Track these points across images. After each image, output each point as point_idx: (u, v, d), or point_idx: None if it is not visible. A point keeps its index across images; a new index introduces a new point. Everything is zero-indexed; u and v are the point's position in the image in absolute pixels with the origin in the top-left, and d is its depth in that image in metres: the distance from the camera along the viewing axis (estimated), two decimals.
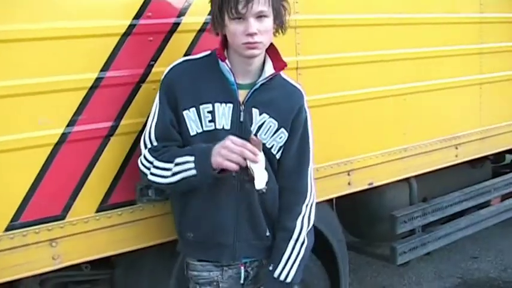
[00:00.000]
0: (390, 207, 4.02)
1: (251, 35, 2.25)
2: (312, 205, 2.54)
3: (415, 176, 4.02)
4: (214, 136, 2.34)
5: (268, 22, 2.30)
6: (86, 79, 2.48)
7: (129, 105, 2.59)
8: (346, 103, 3.39)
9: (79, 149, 2.50)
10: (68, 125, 2.45)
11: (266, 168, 2.27)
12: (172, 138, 2.39)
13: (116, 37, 2.53)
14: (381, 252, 4.29)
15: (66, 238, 2.53)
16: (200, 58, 2.46)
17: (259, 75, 2.42)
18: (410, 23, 3.71)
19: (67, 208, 2.51)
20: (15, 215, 2.40)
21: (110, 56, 2.52)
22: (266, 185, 2.23)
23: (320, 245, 3.46)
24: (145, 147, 2.42)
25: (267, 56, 2.44)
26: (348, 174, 3.43)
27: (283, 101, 2.46)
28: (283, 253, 2.46)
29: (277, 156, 2.47)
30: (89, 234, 2.58)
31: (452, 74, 4.02)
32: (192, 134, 2.36)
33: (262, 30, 2.28)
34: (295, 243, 2.48)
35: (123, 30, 2.54)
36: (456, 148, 4.08)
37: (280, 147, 2.46)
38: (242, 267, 2.53)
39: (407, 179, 4.01)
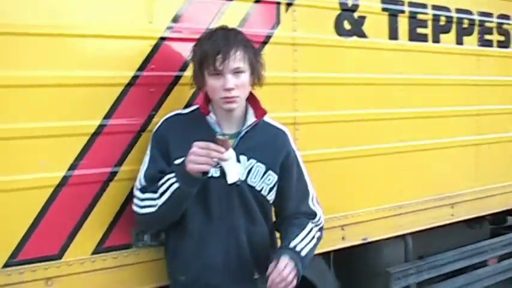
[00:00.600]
0: (386, 264, 4.09)
1: (228, 90, 2.44)
2: (320, 227, 2.76)
3: (411, 233, 4.10)
4: (206, 185, 2.50)
5: (245, 77, 2.49)
6: (89, 125, 2.61)
7: (129, 152, 2.72)
8: (343, 159, 3.51)
9: (79, 192, 2.61)
10: (69, 169, 2.57)
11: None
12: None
13: (120, 87, 2.68)
14: None
15: (62, 278, 2.61)
16: (190, 112, 2.64)
17: (243, 124, 2.59)
18: (409, 83, 3.84)
19: (64, 248, 2.61)
20: (13, 252, 2.50)
21: (113, 104, 2.66)
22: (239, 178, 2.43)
23: None
24: (136, 191, 2.57)
25: (248, 105, 2.61)
26: (342, 229, 3.53)
27: (269, 145, 2.64)
28: (303, 229, 2.63)
29: (268, 198, 2.63)
30: (84, 275, 2.67)
31: (448, 134, 4.14)
32: None
33: (239, 84, 2.48)
34: (313, 227, 2.69)
35: (127, 81, 2.69)
36: (452, 207, 4.17)
37: (271, 188, 2.62)
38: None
39: (403, 236, 4.09)
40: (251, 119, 2.60)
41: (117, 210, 2.72)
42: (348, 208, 3.55)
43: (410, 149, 3.88)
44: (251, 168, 2.58)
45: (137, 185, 2.57)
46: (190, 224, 2.57)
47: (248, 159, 2.57)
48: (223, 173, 2.44)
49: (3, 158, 2.45)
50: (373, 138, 3.68)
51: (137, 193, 2.55)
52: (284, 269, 2.44)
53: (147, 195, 2.51)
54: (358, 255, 3.94)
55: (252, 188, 2.58)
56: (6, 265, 2.49)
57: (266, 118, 2.67)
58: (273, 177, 2.61)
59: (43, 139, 2.52)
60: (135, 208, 2.56)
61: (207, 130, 2.54)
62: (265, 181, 2.60)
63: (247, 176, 2.57)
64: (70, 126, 2.57)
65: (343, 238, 3.54)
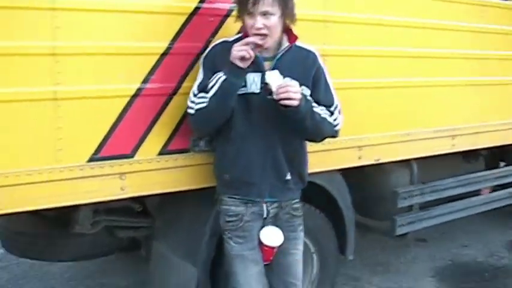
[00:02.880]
0: (393, 185, 4.62)
1: (258, 29, 2.88)
2: (337, 130, 3.16)
3: (416, 160, 4.63)
4: (247, 98, 2.99)
5: (274, 19, 2.92)
6: (159, 46, 3.13)
7: (190, 71, 3.22)
8: (362, 89, 4.00)
9: (149, 102, 3.14)
10: (142, 82, 3.09)
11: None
12: None
13: (184, 16, 3.18)
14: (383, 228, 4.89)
15: (133, 174, 3.15)
16: (234, 40, 3.03)
17: (278, 49, 3.04)
18: (425, 27, 4.34)
19: (136, 149, 3.14)
20: (96, 150, 3.03)
21: (178, 30, 3.16)
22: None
23: (331, 208, 4.09)
24: (190, 99, 3.04)
25: (283, 33, 3.04)
26: (359, 149, 4.02)
27: (301, 64, 3.05)
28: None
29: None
30: (150, 172, 3.20)
31: (453, 73, 4.62)
32: None
33: (268, 25, 2.90)
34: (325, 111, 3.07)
35: (190, 11, 3.19)
36: (453, 138, 4.66)
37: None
38: (264, 205, 3.12)
39: (409, 162, 4.62)
40: (285, 44, 3.05)
41: (179, 119, 3.23)
42: (365, 131, 4.03)
43: (419, 85, 4.35)
44: None
45: (190, 94, 3.03)
46: (234, 131, 3.03)
47: (284, 77, 2.92)
48: (262, 89, 2.95)
49: (91, 70, 2.97)
50: (389, 72, 4.15)
51: (191, 97, 3.02)
52: (294, 84, 2.88)
53: (200, 94, 2.98)
54: (370, 176, 4.47)
55: None
56: (90, 160, 3.02)
57: (298, 43, 3.07)
58: (305, 91, 2.99)
59: (123, 56, 3.04)
60: (189, 110, 3.02)
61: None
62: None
63: None
64: (145, 46, 3.08)
65: (359, 157, 4.03)
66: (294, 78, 2.92)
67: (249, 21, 2.92)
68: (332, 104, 3.12)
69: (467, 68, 4.74)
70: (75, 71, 2.92)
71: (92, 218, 3.70)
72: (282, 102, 2.83)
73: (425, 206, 4.85)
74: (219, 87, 2.90)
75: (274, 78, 2.87)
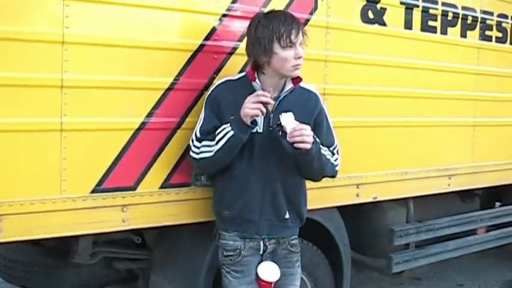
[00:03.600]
0: (390, 224, 4.67)
1: (300, 58, 3.00)
2: (337, 164, 3.23)
3: (413, 199, 4.69)
4: (251, 139, 3.04)
5: (303, 50, 3.04)
6: (165, 82, 3.20)
7: (193, 106, 3.29)
8: (361, 127, 4.08)
9: (153, 136, 3.20)
10: (147, 116, 3.15)
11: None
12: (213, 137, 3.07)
13: (189, 52, 3.25)
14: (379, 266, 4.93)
15: (135, 206, 3.19)
16: (237, 79, 3.15)
17: (282, 89, 3.12)
18: (418, 67, 4.42)
19: (138, 181, 3.19)
20: (99, 181, 3.07)
21: (183, 66, 3.23)
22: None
23: (328, 245, 4.13)
24: (192, 142, 3.12)
25: None
26: (357, 187, 4.08)
27: (304, 105, 3.12)
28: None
29: None
30: (152, 205, 3.25)
31: (449, 114, 4.70)
32: None
33: (303, 54, 3.03)
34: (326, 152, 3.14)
35: (195, 48, 3.26)
36: (449, 178, 4.73)
37: None
38: (261, 242, 3.17)
39: (405, 201, 4.68)
40: (289, 85, 3.12)
41: (181, 153, 3.29)
42: (363, 169, 4.09)
43: (417, 124, 4.43)
44: None
45: (193, 137, 3.11)
46: (236, 170, 3.10)
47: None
48: (266, 130, 3.03)
49: (97, 103, 3.03)
50: (387, 112, 4.23)
51: (194, 142, 3.10)
52: (307, 128, 2.95)
53: (205, 142, 3.05)
54: (367, 215, 4.53)
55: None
56: (93, 191, 3.06)
57: (302, 84, 3.13)
58: None
59: (130, 90, 3.11)
60: (192, 155, 3.11)
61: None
62: None
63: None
64: (150, 81, 3.15)
65: (357, 195, 4.08)
66: (296, 120, 2.96)
67: (287, 53, 2.98)
68: (333, 145, 3.21)
69: (464, 109, 4.83)
70: (82, 103, 2.98)
71: (91, 248, 3.74)
72: (296, 145, 2.91)
73: (421, 245, 4.89)
74: (227, 141, 2.98)
75: (289, 121, 2.93)
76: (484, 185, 5.14)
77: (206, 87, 3.29)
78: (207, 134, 3.08)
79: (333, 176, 3.28)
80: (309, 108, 3.15)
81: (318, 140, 3.03)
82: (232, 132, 2.96)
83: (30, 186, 2.91)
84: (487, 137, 5.03)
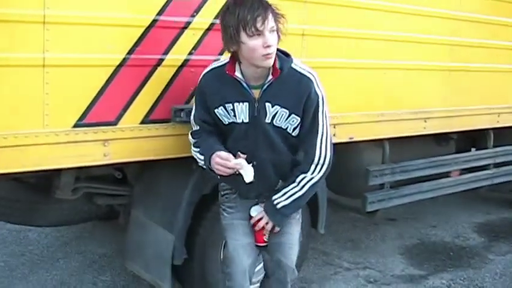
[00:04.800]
0: (365, 164, 4.79)
1: (269, 46, 2.80)
2: (321, 166, 3.05)
3: (388, 140, 4.80)
4: (238, 128, 3.04)
5: (276, 35, 2.88)
6: (145, 19, 3.24)
7: (174, 44, 3.34)
8: (340, 68, 4.16)
9: (134, 72, 3.25)
10: (128, 53, 3.20)
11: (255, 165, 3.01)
12: (205, 127, 3.12)
13: None
14: (354, 205, 5.06)
15: (116, 140, 3.26)
16: (223, 65, 3.00)
17: (267, 76, 2.94)
18: (400, 11, 4.47)
19: (119, 117, 3.25)
20: (81, 116, 3.13)
21: (164, 4, 3.27)
22: (254, 178, 2.97)
23: None
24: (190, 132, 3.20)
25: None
26: (334, 127, 4.14)
27: (292, 91, 2.94)
28: (292, 182, 3.06)
29: (293, 134, 3.06)
30: (133, 140, 3.32)
31: (426, 58, 4.77)
32: (225, 123, 3.06)
33: (274, 42, 2.83)
34: (304, 179, 3.04)
35: None
36: (425, 121, 4.82)
37: (295, 128, 3.04)
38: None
39: (381, 142, 4.79)
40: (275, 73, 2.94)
41: (162, 90, 3.35)
42: (340, 110, 4.14)
43: (394, 67, 4.51)
44: (276, 113, 2.97)
45: (192, 122, 3.17)
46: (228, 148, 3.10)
47: (272, 106, 2.95)
48: (251, 119, 2.99)
49: (79, 39, 3.07)
50: (365, 54, 4.30)
51: (190, 136, 3.19)
52: (257, 220, 3.15)
53: (194, 148, 3.16)
54: (343, 155, 4.61)
55: (278, 127, 3.03)
56: (75, 125, 3.12)
57: (295, 64, 2.97)
58: (296, 119, 2.98)
59: (111, 27, 3.15)
60: (190, 140, 3.20)
61: (237, 83, 2.96)
62: (289, 122, 2.99)
63: (272, 119, 2.98)
64: (131, 18, 3.20)
65: (334, 135, 4.10)
66: (283, 107, 2.96)
67: (254, 42, 2.80)
68: (315, 137, 3.05)
69: (441, 53, 4.90)
70: (64, 39, 3.02)
71: (73, 184, 3.82)
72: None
73: (396, 186, 5.01)
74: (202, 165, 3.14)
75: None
76: (459, 129, 5.24)
77: (187, 24, 3.36)
78: (201, 122, 3.12)
79: (327, 168, 3.11)
80: (297, 93, 2.97)
81: (273, 217, 3.13)
82: (204, 166, 3.11)
83: (13, 120, 2.96)
84: (463, 82, 5.12)
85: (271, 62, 2.87)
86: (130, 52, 3.21)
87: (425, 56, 4.77)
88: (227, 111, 3.02)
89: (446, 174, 5.50)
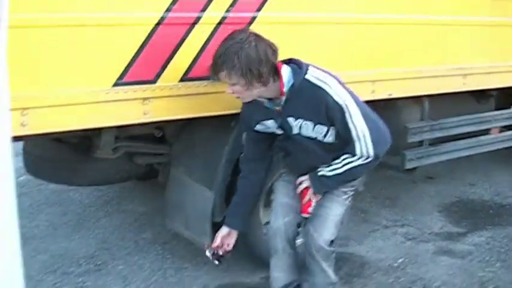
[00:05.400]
0: (404, 122, 4.76)
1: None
2: (365, 158, 3.03)
3: (428, 98, 4.76)
4: (278, 138, 3.31)
5: (237, 87, 3.00)
6: None
7: (211, 1, 3.33)
8: (378, 24, 4.11)
9: (171, 30, 3.25)
10: (165, 11, 3.21)
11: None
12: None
13: None
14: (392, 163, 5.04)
15: (155, 99, 3.28)
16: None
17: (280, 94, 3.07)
18: None
19: (158, 75, 3.26)
20: (120, 75, 3.15)
21: None
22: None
23: None
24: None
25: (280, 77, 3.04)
26: (372, 84, 4.13)
27: (308, 104, 3.02)
28: (335, 160, 3.11)
29: (326, 141, 3.11)
30: (172, 98, 3.34)
31: (466, 13, 4.68)
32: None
33: (234, 91, 3.04)
34: (347, 158, 3.06)
35: None
36: (464, 77, 4.75)
37: (325, 135, 3.09)
38: None
39: (420, 99, 4.75)
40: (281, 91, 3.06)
41: (199, 48, 3.35)
42: (379, 66, 4.14)
43: (433, 23, 4.43)
44: (301, 125, 3.09)
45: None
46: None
47: (296, 120, 3.08)
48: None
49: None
50: (404, 9, 4.24)
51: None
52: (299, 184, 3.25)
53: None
54: (382, 112, 4.58)
55: (307, 137, 3.13)
56: (115, 84, 3.15)
57: (310, 74, 3.00)
58: (322, 128, 3.06)
59: None
60: None
61: (260, 104, 3.14)
62: (317, 132, 3.07)
63: (300, 130, 3.12)
64: None
65: (372, 91, 4.14)
66: (306, 120, 3.07)
67: None
68: (353, 143, 3.04)
69: (481, 7, 4.80)
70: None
71: (113, 143, 3.87)
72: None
73: (434, 143, 4.98)
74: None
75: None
76: (499, 86, 5.18)
77: None
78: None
79: (373, 161, 3.10)
80: (315, 104, 3.02)
81: (315, 182, 3.20)
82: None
83: (53, 79, 3.00)
84: (503, 37, 5.02)
85: (241, 100, 3.15)
86: (168, 10, 3.21)
87: (465, 10, 4.67)
88: (263, 126, 3.22)
89: (485, 132, 5.44)
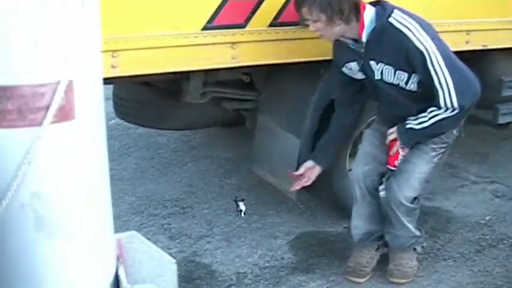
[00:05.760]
0: (499, 75, 4.57)
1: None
2: (451, 110, 2.97)
3: None
4: (363, 82, 3.24)
5: (317, 25, 3.01)
6: None
7: None
8: None
9: None
10: None
11: None
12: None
13: None
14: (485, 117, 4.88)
15: (244, 43, 3.28)
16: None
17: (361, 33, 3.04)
18: None
19: (248, 19, 3.25)
20: (210, 19, 3.15)
21: None
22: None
23: None
24: None
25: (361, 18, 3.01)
26: (467, 34, 4.00)
27: (389, 48, 2.99)
28: (421, 113, 3.07)
29: (408, 88, 3.06)
30: (261, 43, 3.33)
31: None
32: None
33: (316, 29, 3.04)
34: (433, 111, 3.01)
35: None
36: None
37: (406, 82, 3.04)
38: None
39: None
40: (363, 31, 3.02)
41: None
42: (473, 16, 4.00)
43: None
44: (382, 70, 3.05)
45: None
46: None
47: (377, 63, 3.05)
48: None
49: None
50: None
51: None
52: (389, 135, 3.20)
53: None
54: (476, 64, 4.43)
55: (390, 83, 3.08)
56: (204, 28, 3.15)
57: (393, 18, 2.94)
58: (403, 75, 3.02)
59: None
60: None
61: (346, 45, 3.13)
62: (398, 78, 3.03)
63: (381, 76, 3.07)
64: None
65: (467, 42, 4.01)
66: (386, 64, 3.03)
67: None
68: (436, 92, 2.96)
69: None
70: None
71: (201, 88, 3.89)
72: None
73: None
74: None
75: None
76: None
77: None
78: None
79: (460, 112, 3.01)
80: (395, 49, 2.98)
81: (402, 135, 3.14)
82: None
83: (143, 22, 3.02)
84: None
85: (326, 38, 3.14)
86: None
87: None
88: (348, 69, 3.21)
89: None
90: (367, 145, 3.42)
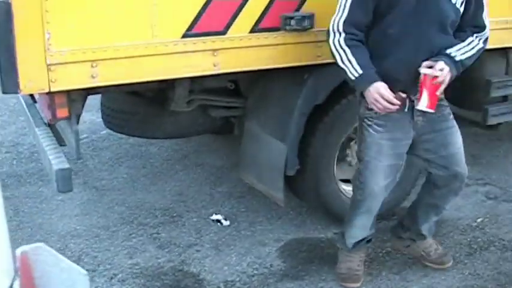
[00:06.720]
0: (487, 76, 4.53)
1: None
2: (485, 38, 3.22)
3: None
4: (407, 5, 3.01)
5: None
6: None
7: None
8: None
9: None
10: None
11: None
12: (354, 33, 3.04)
13: None
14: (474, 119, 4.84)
15: (225, 50, 3.26)
16: None
17: None
18: None
19: (228, 26, 3.23)
20: (189, 26, 3.14)
21: None
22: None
23: None
24: (338, 32, 3.05)
25: None
26: None
27: None
28: (464, 41, 3.15)
29: (461, 9, 3.08)
30: (242, 49, 3.31)
31: None
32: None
33: None
34: (474, 40, 3.18)
35: None
36: None
37: (461, 2, 3.05)
38: (407, 99, 3.12)
39: (505, 51, 4.52)
40: None
41: None
42: None
43: None
44: None
45: (340, 28, 3.04)
46: (390, 28, 3.04)
47: None
48: None
49: None
50: None
51: (342, 40, 3.04)
52: (439, 69, 2.99)
53: (349, 56, 3.03)
54: None
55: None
56: (184, 36, 3.14)
57: None
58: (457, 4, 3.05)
59: None
60: (334, 50, 3.06)
61: None
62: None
63: None
64: None
65: None
66: None
67: None
68: (481, 11, 3.20)
69: None
70: None
71: (187, 96, 3.87)
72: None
73: None
74: (345, 73, 3.07)
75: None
76: None
77: None
78: (352, 27, 3.05)
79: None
80: None
81: (452, 67, 3.06)
82: (352, 78, 3.05)
83: (123, 32, 3.01)
84: None
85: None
86: None
87: None
88: None
89: None
90: (384, 158, 3.21)
